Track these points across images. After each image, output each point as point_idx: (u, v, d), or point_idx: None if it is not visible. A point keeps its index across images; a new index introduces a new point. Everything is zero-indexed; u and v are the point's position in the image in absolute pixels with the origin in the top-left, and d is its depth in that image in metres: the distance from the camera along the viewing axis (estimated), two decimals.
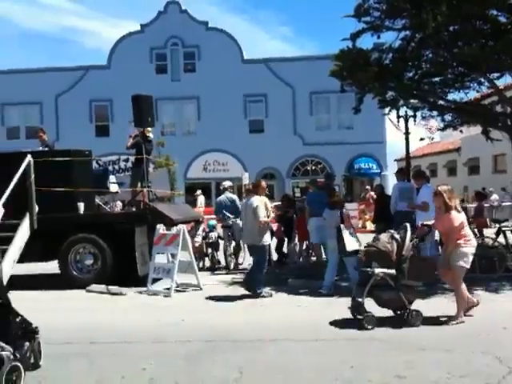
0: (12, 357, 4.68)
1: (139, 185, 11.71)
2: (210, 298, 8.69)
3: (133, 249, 9.90)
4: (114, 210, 11.90)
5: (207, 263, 12.16)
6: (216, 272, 11.50)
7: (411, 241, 6.58)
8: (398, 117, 24.90)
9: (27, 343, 5.02)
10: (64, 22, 77.47)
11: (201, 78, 31.71)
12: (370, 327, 6.31)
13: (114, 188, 11.90)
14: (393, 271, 6.42)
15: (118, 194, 12.19)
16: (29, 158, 9.97)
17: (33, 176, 9.93)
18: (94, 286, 9.64)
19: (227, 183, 12.57)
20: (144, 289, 9.27)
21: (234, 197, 12.40)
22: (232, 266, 11.69)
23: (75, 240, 10.09)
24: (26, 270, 10.45)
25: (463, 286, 6.69)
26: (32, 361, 5.14)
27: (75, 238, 10.08)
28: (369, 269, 6.53)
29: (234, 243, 11.90)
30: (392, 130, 29.14)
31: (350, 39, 10.84)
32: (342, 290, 8.56)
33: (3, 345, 4.70)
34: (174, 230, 9.26)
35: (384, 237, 6.72)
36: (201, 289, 9.35)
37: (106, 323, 7.17)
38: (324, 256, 10.70)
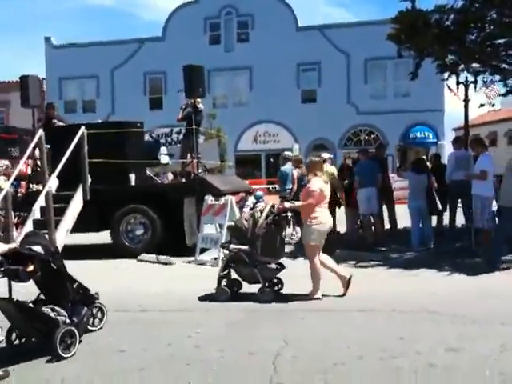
0: (68, 321, 4.84)
1: (188, 156, 11.81)
2: None
3: (181, 219, 10.02)
4: (164, 182, 12.04)
5: None
6: None
7: (266, 218, 6.54)
8: (458, 83, 23.78)
9: (85, 308, 5.15)
10: None
11: (254, 47, 31.37)
12: (221, 298, 6.55)
13: (164, 160, 12.02)
14: (246, 247, 6.53)
15: (169, 166, 12.30)
16: (82, 129, 10.27)
17: (86, 148, 10.26)
18: (144, 256, 9.85)
19: (288, 153, 12.36)
20: (192, 258, 9.38)
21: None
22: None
23: (126, 211, 10.30)
24: (80, 241, 10.80)
25: (316, 262, 6.49)
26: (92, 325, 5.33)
27: (126, 208, 10.29)
28: (227, 244, 6.94)
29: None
30: (450, 98, 28.10)
31: (409, 0, 10.43)
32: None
33: (59, 309, 4.88)
34: (222, 200, 9.27)
35: (246, 214, 7.24)
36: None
37: (156, 292, 7.31)
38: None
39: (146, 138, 12.71)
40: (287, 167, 11.97)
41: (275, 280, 6.82)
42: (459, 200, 10.48)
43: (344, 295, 6.56)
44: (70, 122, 12.75)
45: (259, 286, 6.55)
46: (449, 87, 24.02)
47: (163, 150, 12.44)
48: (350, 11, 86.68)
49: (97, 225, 10.48)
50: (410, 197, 10.11)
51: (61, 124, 11.72)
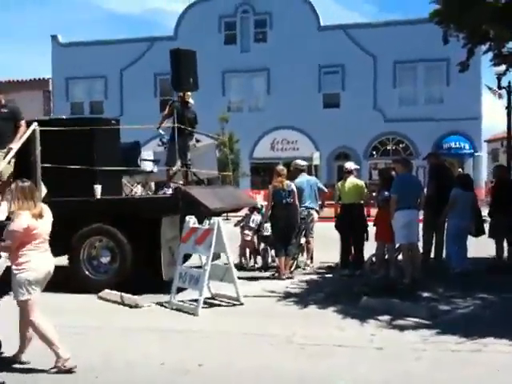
0: None
1: (178, 163, 9.44)
2: (249, 318, 6.25)
3: (159, 245, 7.61)
4: (136, 194, 9.58)
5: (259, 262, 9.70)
6: (269, 275, 8.99)
7: None
8: (500, 87, 21.13)
9: None
10: (147, 3, 76.96)
11: (272, 48, 28.97)
12: None
13: (147, 166, 9.62)
14: None
15: (153, 174, 9.85)
16: (34, 126, 7.98)
17: (39, 149, 7.96)
18: (106, 293, 7.45)
19: (301, 162, 9.98)
20: (169, 298, 6.94)
21: (315, 179, 9.95)
22: (292, 269, 9.19)
23: (89, 232, 7.92)
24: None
25: (36, 322, 4.64)
26: None
27: (89, 229, 7.91)
28: None
29: (302, 240, 9.46)
30: (488, 105, 25.36)
31: None
32: None
33: None
34: (206, 224, 6.81)
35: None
36: (240, 303, 6.89)
37: (100, 354, 5.01)
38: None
39: (157, 143, 10.22)
40: (302, 179, 9.59)
41: None
42: None
43: None
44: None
45: None
46: (489, 87, 21.31)
47: (147, 154, 10.05)
48: (376, 19, 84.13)
49: (52, 248, 8.08)
50: (452, 215, 8.49)
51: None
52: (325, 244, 10.12)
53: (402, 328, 5.78)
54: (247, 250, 9.68)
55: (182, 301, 6.97)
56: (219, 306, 6.93)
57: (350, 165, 9.39)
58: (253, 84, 30.16)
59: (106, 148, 8.54)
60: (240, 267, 9.52)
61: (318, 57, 28.10)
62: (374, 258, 8.85)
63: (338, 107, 28.64)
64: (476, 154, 27.38)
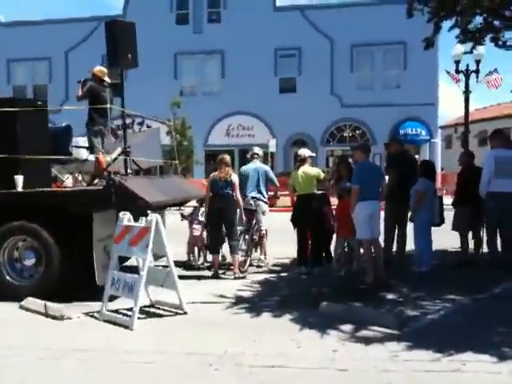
0: None
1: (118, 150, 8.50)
2: (192, 331, 5.39)
3: (90, 245, 6.62)
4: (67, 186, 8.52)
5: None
6: (219, 273, 8.14)
7: None
8: (457, 71, 20.77)
9: None
10: None
11: (226, 29, 27.87)
12: None
13: (79, 154, 8.55)
14: None
15: (89, 163, 8.77)
16: None
17: None
18: (29, 301, 6.45)
19: (257, 149, 9.18)
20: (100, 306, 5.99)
21: (266, 167, 9.08)
22: (245, 267, 8.39)
23: (8, 230, 6.87)
24: None
25: None
26: None
27: (8, 226, 6.85)
28: None
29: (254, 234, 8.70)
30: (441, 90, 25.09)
31: None
32: None
33: None
34: (143, 221, 5.87)
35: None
36: (184, 312, 6.01)
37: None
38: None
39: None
40: (248, 166, 8.84)
41: None
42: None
43: None
44: None
45: None
46: (447, 71, 20.92)
47: (80, 140, 8.95)
48: None
49: None
50: (416, 208, 7.84)
51: None
52: (281, 237, 9.35)
53: (367, 341, 5.02)
54: (196, 248, 8.80)
55: (117, 310, 6.05)
56: (159, 316, 6.02)
57: (303, 152, 8.47)
58: (207, 67, 29.03)
59: (31, 133, 7.47)
60: (188, 266, 8.71)
61: (274, 39, 27.18)
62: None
63: (295, 92, 27.86)
64: (432, 140, 27.17)
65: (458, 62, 20.86)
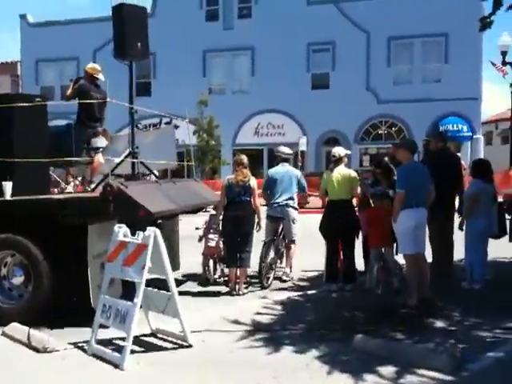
0: None
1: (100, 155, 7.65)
2: (195, 373, 4.38)
3: (84, 262, 5.71)
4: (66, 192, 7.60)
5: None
6: (237, 289, 7.13)
7: None
8: (504, 63, 19.31)
9: None
10: None
11: (257, 25, 26.80)
12: None
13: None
14: None
15: (102, 165, 7.78)
16: None
17: None
18: (14, 327, 5.58)
19: (283, 149, 8.18)
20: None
21: (298, 172, 8.09)
22: (268, 283, 7.40)
23: None
24: None
25: None
26: None
27: None
28: None
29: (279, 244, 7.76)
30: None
31: None
32: None
33: None
34: (140, 235, 4.89)
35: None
36: (188, 345, 5.01)
37: None
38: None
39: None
40: (278, 169, 7.84)
41: None
42: None
43: None
44: None
45: None
46: (493, 63, 19.43)
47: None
48: None
49: None
50: (467, 214, 6.93)
51: None
52: (310, 244, 8.31)
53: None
54: (211, 260, 7.82)
55: (110, 340, 5.11)
56: (158, 349, 5.03)
57: (338, 150, 7.38)
58: (236, 64, 28.07)
59: (28, 132, 6.66)
60: (203, 280, 7.76)
61: (306, 34, 25.97)
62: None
63: (328, 88, 26.58)
64: (474, 136, 25.52)
65: (504, 53, 19.44)
